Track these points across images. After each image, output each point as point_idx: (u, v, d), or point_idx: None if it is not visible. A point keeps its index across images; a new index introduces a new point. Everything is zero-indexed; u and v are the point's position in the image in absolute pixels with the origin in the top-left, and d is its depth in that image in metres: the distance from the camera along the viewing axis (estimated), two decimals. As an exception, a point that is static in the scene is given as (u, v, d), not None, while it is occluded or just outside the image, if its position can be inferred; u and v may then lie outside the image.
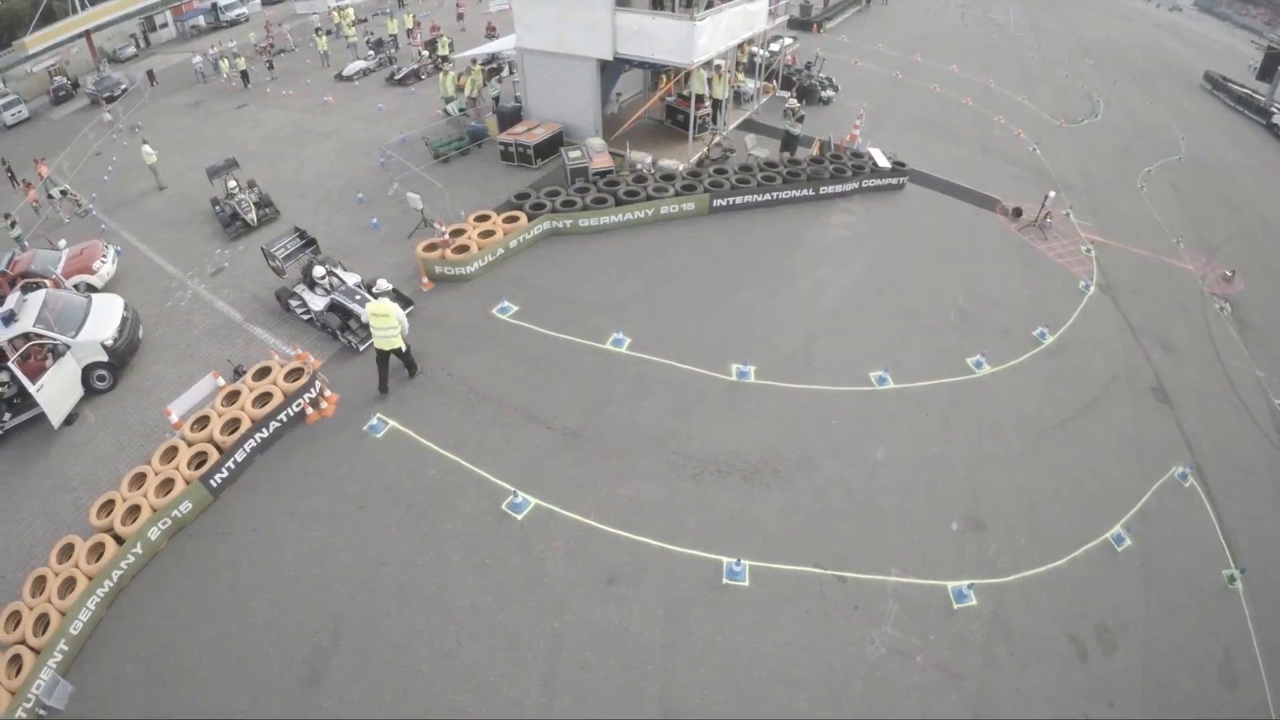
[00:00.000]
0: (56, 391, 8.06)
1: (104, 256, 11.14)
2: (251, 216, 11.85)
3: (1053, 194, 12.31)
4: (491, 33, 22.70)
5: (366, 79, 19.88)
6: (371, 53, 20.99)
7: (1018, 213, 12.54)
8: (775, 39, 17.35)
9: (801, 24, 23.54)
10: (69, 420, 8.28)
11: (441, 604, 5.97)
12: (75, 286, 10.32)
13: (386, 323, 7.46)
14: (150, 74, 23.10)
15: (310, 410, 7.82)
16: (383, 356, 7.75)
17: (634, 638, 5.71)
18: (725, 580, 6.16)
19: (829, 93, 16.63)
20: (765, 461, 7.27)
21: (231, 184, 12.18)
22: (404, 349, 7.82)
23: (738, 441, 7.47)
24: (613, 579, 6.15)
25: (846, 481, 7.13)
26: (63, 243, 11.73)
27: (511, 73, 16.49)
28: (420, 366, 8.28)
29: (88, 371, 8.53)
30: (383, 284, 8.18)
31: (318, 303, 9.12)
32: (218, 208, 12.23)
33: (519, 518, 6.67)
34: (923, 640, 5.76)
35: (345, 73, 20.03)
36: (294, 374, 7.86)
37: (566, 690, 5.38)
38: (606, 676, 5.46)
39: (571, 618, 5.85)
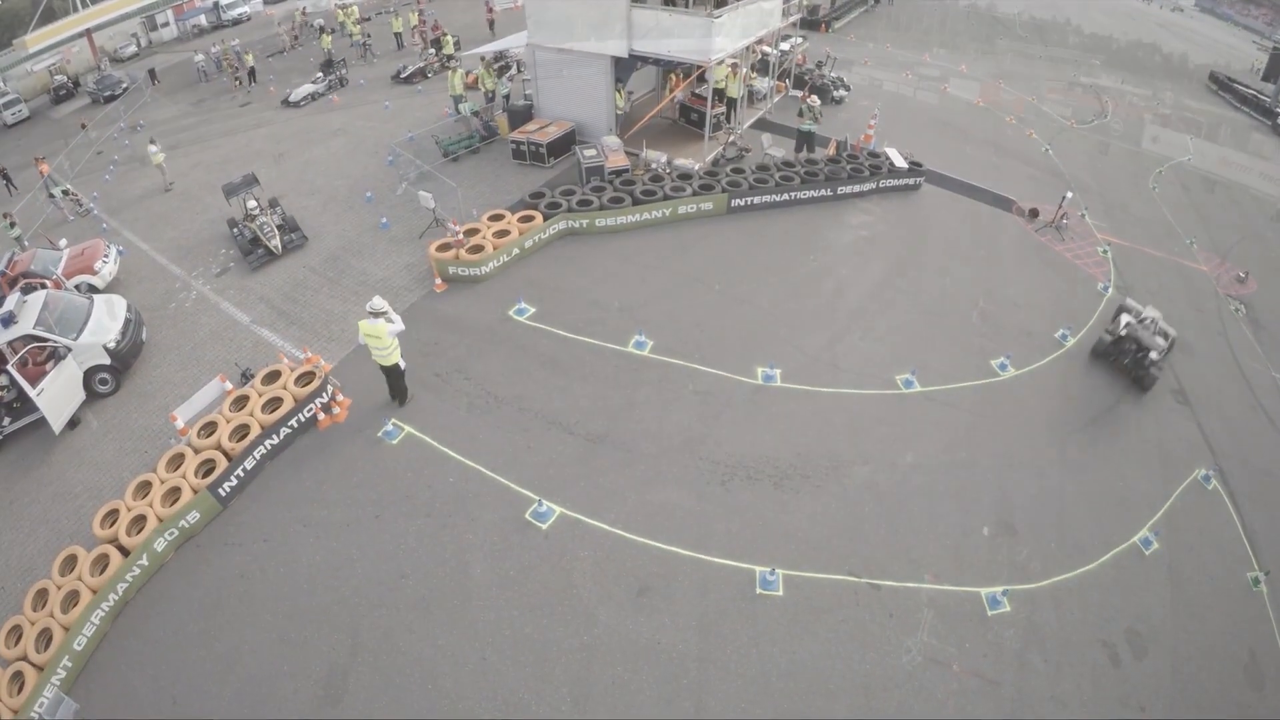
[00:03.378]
0: (57, 396, 7.82)
1: (106, 256, 10.89)
2: (275, 243, 10.70)
3: (1070, 194, 12.20)
4: (491, 15, 22.60)
5: (316, 102, 18.19)
6: (320, 74, 19.03)
7: (1034, 213, 12.42)
8: (785, 38, 17.23)
9: (810, 24, 23.49)
10: (71, 425, 8.02)
11: (465, 617, 5.76)
12: (76, 287, 10.07)
13: (379, 343, 7.08)
14: (152, 72, 22.87)
15: (322, 415, 7.58)
16: (385, 370, 7.41)
17: (667, 650, 5.52)
18: (759, 590, 5.98)
19: (841, 92, 16.52)
20: (795, 466, 7.10)
21: (251, 204, 11.05)
22: (402, 367, 7.40)
23: (766, 446, 7.29)
24: (643, 590, 5.95)
25: (877, 486, 6.99)
26: (63, 242, 11.47)
27: (520, 70, 16.33)
28: (437, 372, 8.05)
29: (89, 375, 8.30)
30: (377, 303, 7.09)
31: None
32: (235, 230, 11.16)
33: (544, 527, 6.46)
34: (958, 648, 5.70)
35: (292, 98, 18.12)
36: (305, 378, 7.63)
37: (599, 706, 5.19)
38: (640, 690, 5.27)
39: (601, 630, 5.64)
